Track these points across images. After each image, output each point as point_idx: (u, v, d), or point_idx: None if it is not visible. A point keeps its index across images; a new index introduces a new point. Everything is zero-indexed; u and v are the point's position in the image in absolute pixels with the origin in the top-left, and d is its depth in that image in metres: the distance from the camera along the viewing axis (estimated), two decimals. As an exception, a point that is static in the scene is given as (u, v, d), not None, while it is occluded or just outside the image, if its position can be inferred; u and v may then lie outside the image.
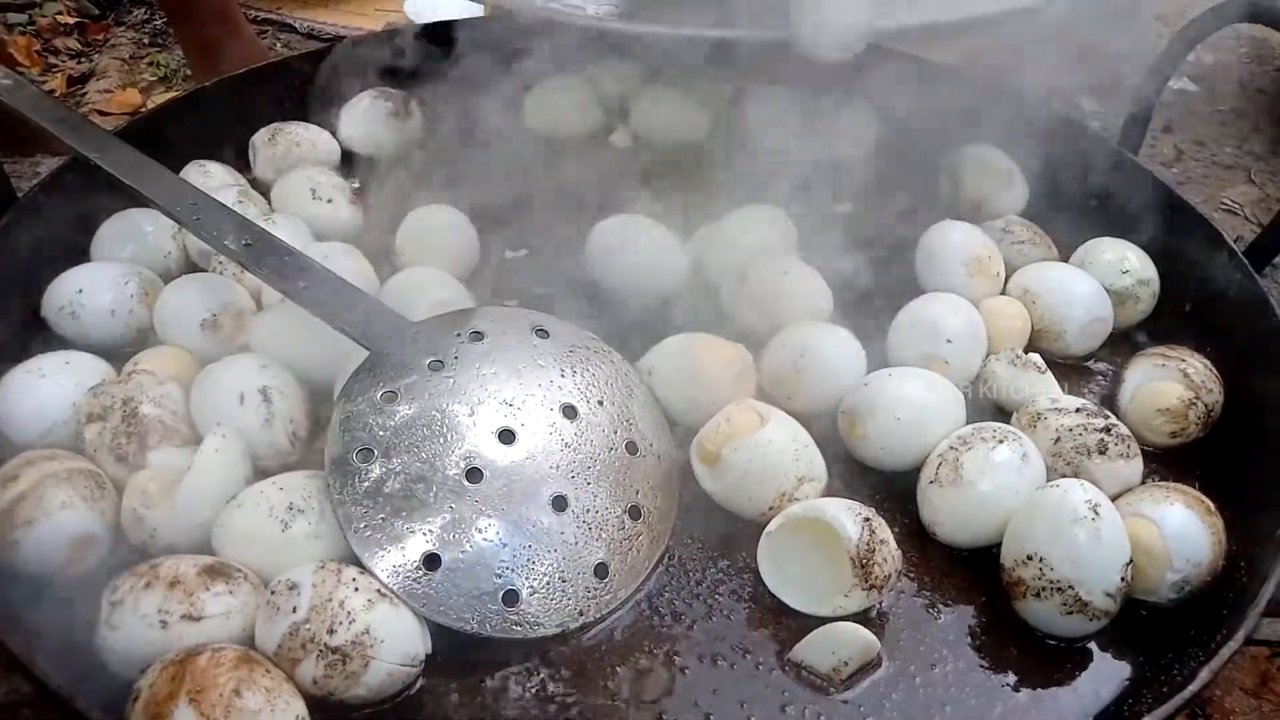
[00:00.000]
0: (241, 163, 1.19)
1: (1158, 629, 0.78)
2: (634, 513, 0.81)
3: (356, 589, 0.71)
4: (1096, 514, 0.76)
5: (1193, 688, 0.67)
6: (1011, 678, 0.77)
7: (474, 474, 0.78)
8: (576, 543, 0.78)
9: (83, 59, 1.93)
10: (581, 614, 0.77)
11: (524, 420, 0.81)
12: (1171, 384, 0.94)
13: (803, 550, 0.79)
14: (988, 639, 0.79)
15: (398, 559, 0.74)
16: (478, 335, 0.85)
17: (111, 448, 0.81)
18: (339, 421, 0.78)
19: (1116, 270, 1.06)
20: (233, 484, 0.79)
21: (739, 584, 0.81)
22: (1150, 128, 1.26)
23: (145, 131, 1.11)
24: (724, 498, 0.85)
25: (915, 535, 0.86)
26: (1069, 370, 1.03)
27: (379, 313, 0.85)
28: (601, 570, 0.78)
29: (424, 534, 0.75)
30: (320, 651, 0.68)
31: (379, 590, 0.72)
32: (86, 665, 0.71)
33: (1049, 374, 0.95)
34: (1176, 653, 0.77)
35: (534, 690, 0.74)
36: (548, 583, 0.76)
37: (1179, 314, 1.06)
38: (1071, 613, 0.76)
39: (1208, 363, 0.96)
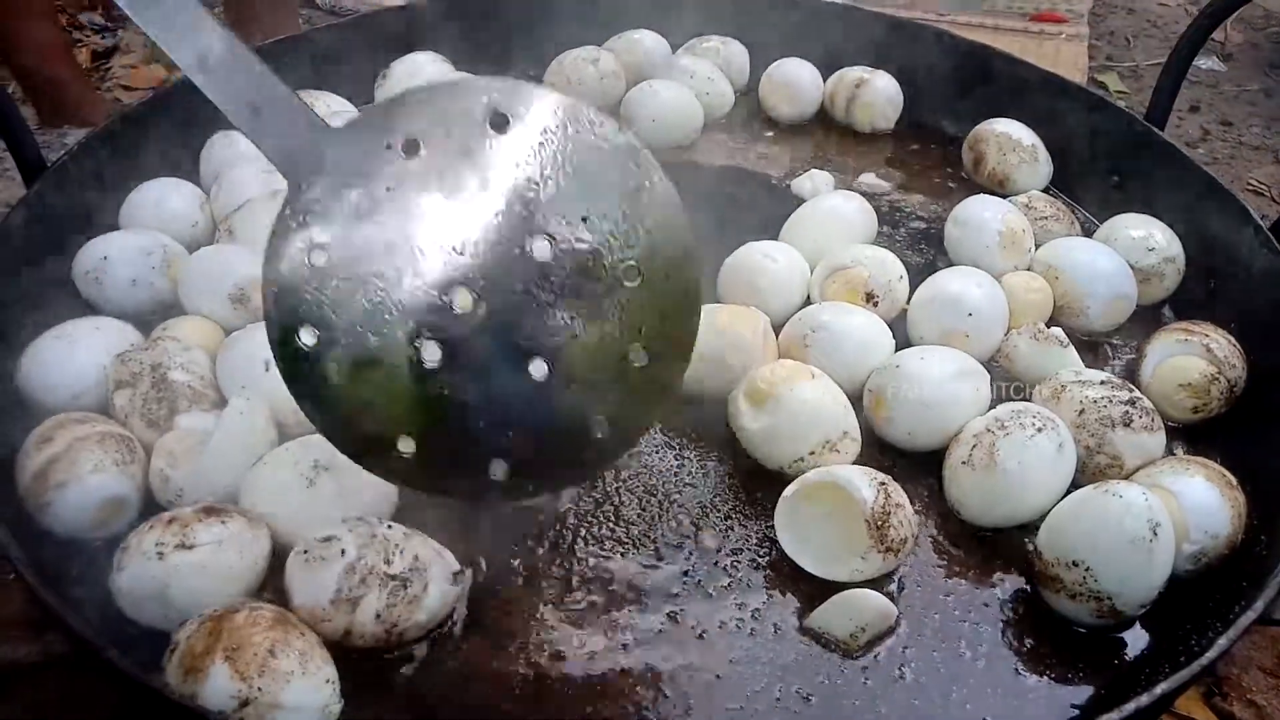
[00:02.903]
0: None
1: (1177, 602, 0.78)
2: (635, 355, 0.67)
3: (390, 526, 0.73)
4: (1156, 534, 0.73)
5: (1210, 654, 0.67)
6: (1027, 647, 0.77)
7: (431, 346, 0.66)
8: (566, 403, 0.67)
9: (107, 34, 1.95)
10: (584, 472, 0.71)
11: (483, 271, 0.65)
12: (1194, 359, 0.93)
13: (820, 516, 0.79)
14: (1005, 608, 0.80)
15: (376, 449, 0.68)
16: (413, 145, 0.64)
17: (142, 413, 0.83)
18: (271, 296, 0.65)
19: (1142, 247, 1.05)
20: (257, 446, 0.80)
21: (758, 551, 0.82)
22: (1177, 107, 1.25)
23: (172, 102, 1.13)
24: (763, 439, 0.85)
25: (935, 506, 0.86)
26: (1090, 345, 1.03)
27: (292, 117, 0.65)
28: (602, 425, 0.68)
29: (393, 421, 0.67)
30: (382, 580, 0.70)
31: (404, 527, 0.74)
32: (114, 625, 0.72)
33: (1071, 348, 0.94)
34: (1195, 625, 0.77)
35: (549, 652, 0.75)
36: (539, 448, 0.68)
37: (1203, 290, 1.06)
38: (1102, 617, 0.76)
39: (1231, 338, 0.95)
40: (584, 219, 0.64)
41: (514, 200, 0.64)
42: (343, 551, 0.71)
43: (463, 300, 0.65)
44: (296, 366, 0.66)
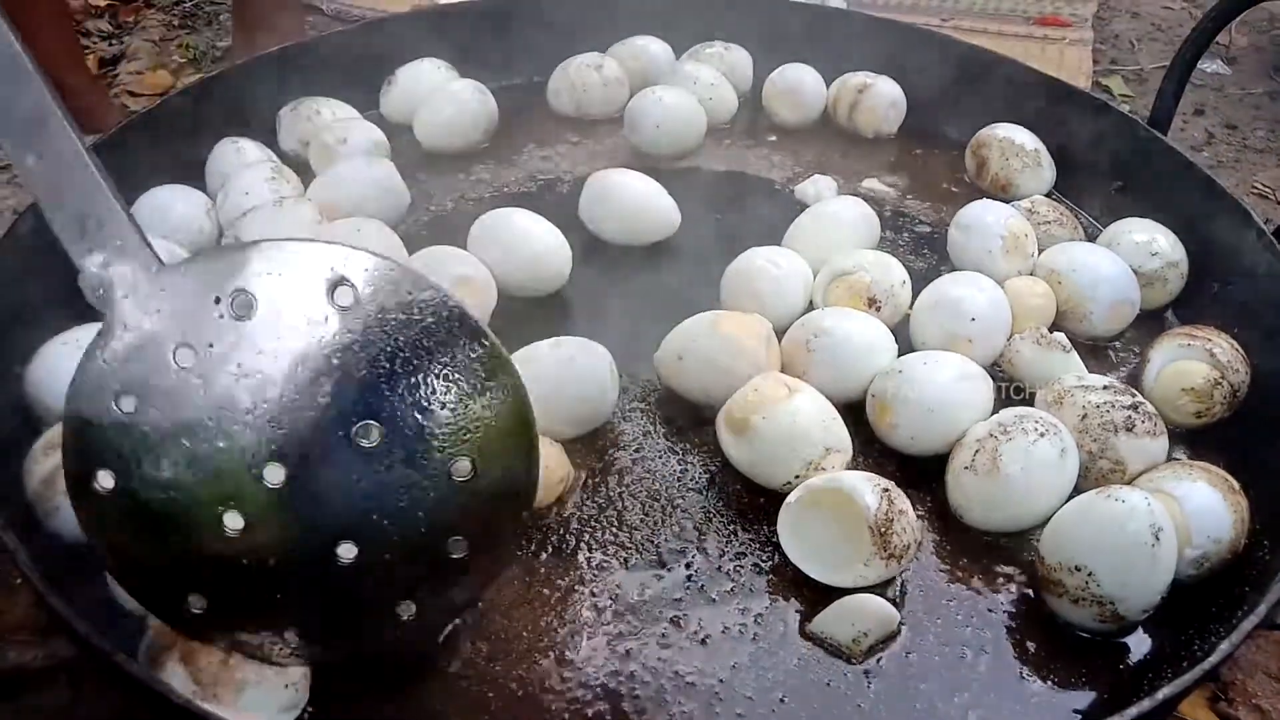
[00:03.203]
0: (273, 139, 1.21)
1: (1180, 607, 0.78)
2: (454, 546, 0.64)
3: None
4: (1158, 540, 0.73)
5: (1213, 659, 0.67)
6: (1030, 652, 0.77)
7: (235, 515, 0.62)
8: (371, 587, 0.64)
9: (114, 41, 1.96)
10: (387, 646, 0.69)
11: (302, 449, 0.61)
12: (1197, 364, 0.93)
13: (823, 522, 0.79)
14: (1008, 613, 0.80)
15: (165, 600, 0.65)
16: (246, 302, 0.60)
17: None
18: (71, 429, 0.61)
19: (1145, 252, 1.05)
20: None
21: (760, 556, 0.82)
22: (1181, 111, 1.25)
23: (178, 109, 1.14)
24: (750, 466, 0.85)
25: (937, 511, 0.86)
26: (1093, 350, 1.03)
27: (122, 242, 0.60)
28: (408, 609, 0.65)
29: (185, 578, 0.63)
30: None
31: None
32: (121, 629, 0.72)
33: (1074, 353, 0.95)
34: (1198, 629, 0.77)
35: (551, 658, 0.75)
36: (338, 622, 0.66)
37: (1206, 294, 1.06)
38: (1105, 621, 0.76)
39: (1234, 343, 0.95)
40: (421, 410, 0.60)
41: (345, 380, 0.59)
42: None
43: (273, 476, 0.60)
44: (89, 504, 0.62)
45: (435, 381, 0.60)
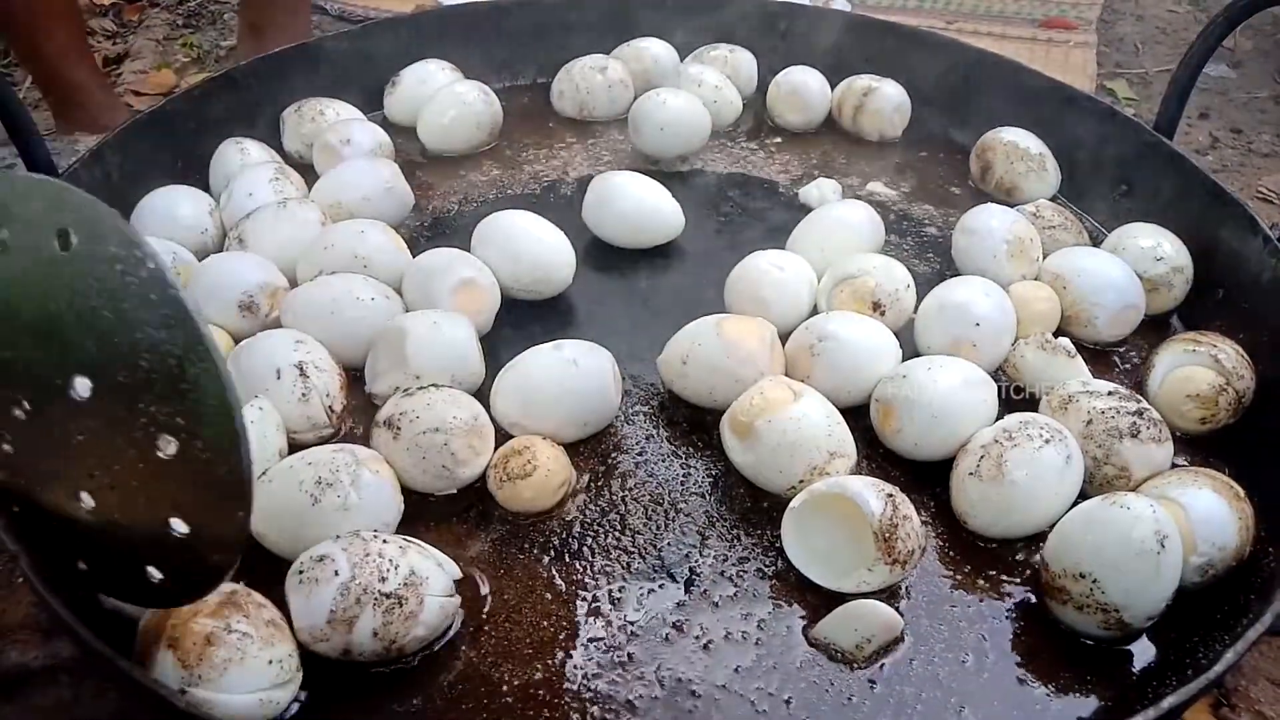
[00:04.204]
0: (277, 140, 1.21)
1: (1184, 615, 0.78)
2: (176, 524, 0.60)
3: (385, 541, 0.73)
4: (1163, 546, 0.73)
5: (1218, 668, 0.67)
6: (1034, 658, 0.77)
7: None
8: (116, 541, 0.62)
9: (118, 40, 1.96)
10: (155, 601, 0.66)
11: (34, 388, 0.60)
12: (1202, 369, 0.93)
13: (827, 527, 0.79)
14: (1012, 620, 0.79)
15: None
16: (3, 245, 0.58)
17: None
18: None
19: (1150, 257, 1.05)
20: (268, 456, 0.80)
21: (764, 561, 0.82)
22: (1186, 114, 1.25)
23: (182, 109, 1.14)
24: (754, 471, 0.85)
25: (941, 517, 0.86)
26: (1097, 355, 1.02)
27: None
28: (153, 575, 0.63)
29: None
30: (376, 599, 0.70)
31: (404, 537, 0.75)
32: (121, 630, 0.72)
33: (1079, 358, 0.94)
34: (1202, 637, 0.77)
35: (554, 661, 0.75)
36: (101, 566, 0.65)
37: (1211, 300, 1.05)
38: (1109, 629, 0.76)
39: (1239, 349, 0.95)
40: (121, 375, 0.56)
41: (65, 326, 0.56)
42: (336, 571, 0.71)
43: (18, 411, 0.60)
44: None
45: (134, 340, 0.55)
